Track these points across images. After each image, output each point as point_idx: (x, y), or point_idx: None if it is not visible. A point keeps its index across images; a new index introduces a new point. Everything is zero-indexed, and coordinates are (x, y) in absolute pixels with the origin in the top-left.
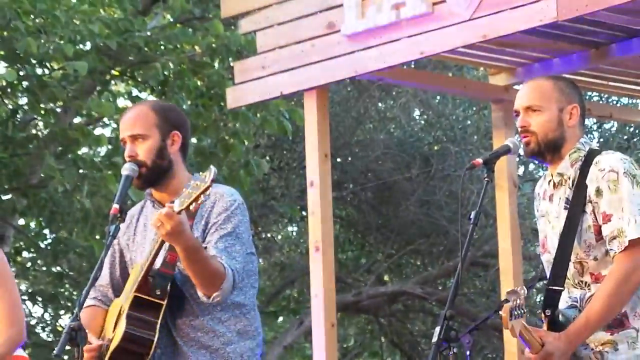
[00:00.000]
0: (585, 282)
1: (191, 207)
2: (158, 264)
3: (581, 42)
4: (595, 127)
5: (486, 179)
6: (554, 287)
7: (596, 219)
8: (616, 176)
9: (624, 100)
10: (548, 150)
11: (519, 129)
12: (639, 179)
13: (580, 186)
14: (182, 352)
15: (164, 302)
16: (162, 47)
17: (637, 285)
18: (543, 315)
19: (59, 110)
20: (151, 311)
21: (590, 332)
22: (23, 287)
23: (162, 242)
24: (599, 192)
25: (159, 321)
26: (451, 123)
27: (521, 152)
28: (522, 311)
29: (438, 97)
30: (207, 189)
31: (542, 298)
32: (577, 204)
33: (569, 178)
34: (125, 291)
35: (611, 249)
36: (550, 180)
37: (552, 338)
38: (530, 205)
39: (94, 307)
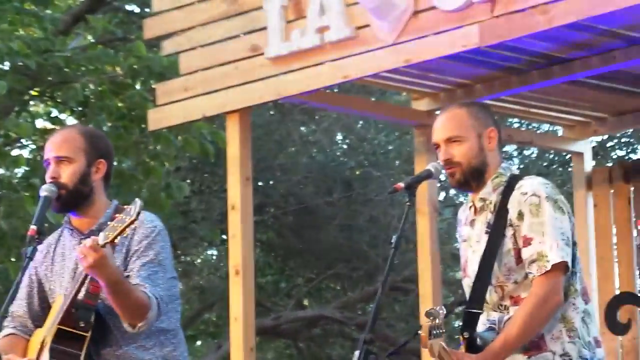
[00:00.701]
0: (505, 306)
1: (116, 241)
2: (81, 295)
3: (503, 68)
4: (515, 153)
5: (407, 204)
6: (473, 310)
7: (516, 243)
8: (538, 200)
9: (545, 126)
10: (473, 178)
11: (442, 162)
12: (560, 203)
13: (501, 210)
14: None
15: (88, 334)
16: (83, 68)
17: (555, 308)
18: (461, 337)
19: None
20: (75, 343)
21: (507, 353)
22: None
23: (86, 276)
24: (520, 215)
25: (83, 353)
26: (373, 147)
27: (442, 177)
28: (441, 331)
29: (361, 122)
30: (132, 222)
31: (461, 321)
32: (498, 228)
33: (491, 203)
34: (48, 322)
35: (530, 272)
36: (471, 206)
37: (469, 359)
38: (450, 230)
39: (14, 335)
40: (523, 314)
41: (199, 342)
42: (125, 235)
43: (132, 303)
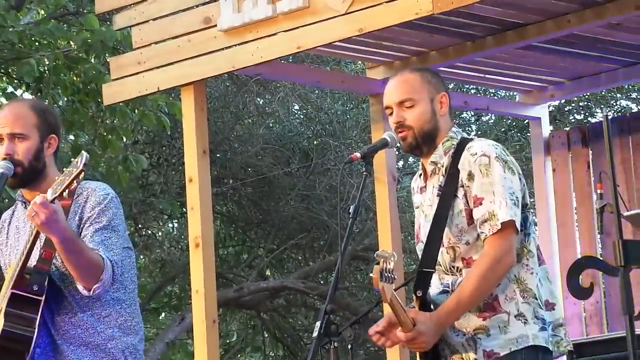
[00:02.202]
0: (457, 268)
1: (65, 194)
2: (34, 260)
3: (457, 35)
4: (473, 119)
5: (365, 173)
6: (425, 269)
7: (467, 203)
8: (488, 160)
9: (501, 92)
10: (424, 143)
11: (394, 125)
12: (510, 164)
13: (452, 172)
14: (61, 350)
15: (42, 298)
16: (37, 43)
17: (508, 267)
18: (415, 296)
19: None
20: (29, 307)
21: (461, 312)
22: None
23: (36, 237)
24: (470, 176)
25: (38, 317)
26: (330, 117)
27: (399, 145)
28: (393, 276)
29: (317, 92)
30: (79, 173)
31: (414, 281)
32: (449, 190)
33: (442, 166)
34: (2, 291)
35: (482, 232)
36: (421, 174)
37: (423, 317)
38: (409, 198)
39: None
40: (476, 274)
41: (162, 315)
42: (72, 187)
43: (86, 262)
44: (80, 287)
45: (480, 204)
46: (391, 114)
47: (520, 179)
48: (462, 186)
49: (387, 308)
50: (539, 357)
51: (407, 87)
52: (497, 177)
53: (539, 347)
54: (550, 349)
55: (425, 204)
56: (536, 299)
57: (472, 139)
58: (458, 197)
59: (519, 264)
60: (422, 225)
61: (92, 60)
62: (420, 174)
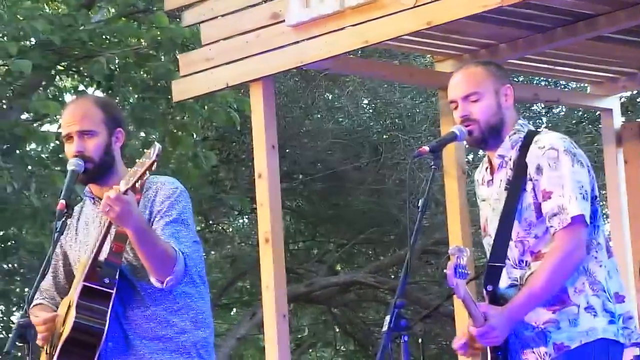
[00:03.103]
0: (526, 262)
1: (137, 184)
2: (105, 254)
3: (527, 27)
4: (543, 112)
5: (433, 167)
6: (495, 264)
7: (536, 197)
8: (556, 154)
9: (572, 84)
10: (491, 136)
11: (460, 119)
12: (579, 157)
13: (520, 166)
14: (134, 345)
15: (113, 291)
16: (107, 41)
17: (578, 261)
18: (485, 291)
19: (4, 107)
20: (100, 300)
21: (532, 307)
22: None
23: (108, 230)
24: (539, 169)
25: (109, 310)
26: (399, 111)
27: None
28: (466, 272)
29: (385, 86)
30: (152, 164)
31: (484, 276)
32: (517, 183)
33: (510, 159)
34: (74, 284)
35: (551, 226)
36: (487, 167)
37: (494, 312)
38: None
39: (42, 305)
40: (547, 268)
41: (234, 311)
42: (145, 178)
43: (159, 253)
44: (153, 279)
45: (550, 197)
46: (456, 107)
47: (589, 171)
48: (531, 180)
49: (457, 302)
50: (609, 350)
51: (472, 80)
52: (566, 171)
53: (609, 340)
54: (621, 341)
55: (493, 197)
56: (605, 291)
57: (539, 132)
58: (526, 191)
59: (588, 256)
60: (490, 219)
61: (162, 58)
62: (487, 167)
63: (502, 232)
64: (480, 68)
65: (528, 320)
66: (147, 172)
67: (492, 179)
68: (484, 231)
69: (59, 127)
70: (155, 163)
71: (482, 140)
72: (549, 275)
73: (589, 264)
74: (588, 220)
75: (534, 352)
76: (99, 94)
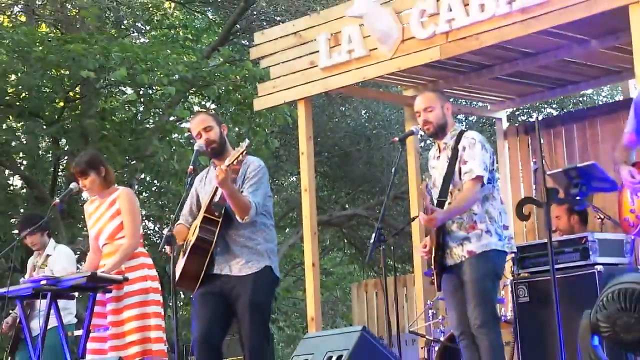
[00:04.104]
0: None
1: (234, 163)
2: (217, 198)
3: (454, 71)
4: (463, 119)
5: (400, 150)
6: (441, 199)
7: (459, 165)
8: (474, 141)
9: (480, 103)
10: (439, 131)
11: (422, 121)
12: (485, 144)
13: (455, 149)
14: (231, 249)
15: (220, 219)
16: (217, 77)
17: (473, 198)
18: (434, 206)
19: (161, 113)
20: (213, 224)
21: (453, 214)
22: (144, 212)
23: (217, 187)
24: (464, 149)
25: (217, 230)
26: (382, 117)
27: (421, 133)
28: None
29: (375, 103)
30: (242, 152)
31: (435, 204)
32: (453, 159)
33: (449, 145)
34: (200, 215)
35: (464, 178)
36: (437, 149)
37: (437, 210)
38: (425, 163)
39: (182, 224)
40: (459, 198)
41: (287, 230)
42: (239, 160)
43: (241, 205)
44: (237, 216)
45: (465, 163)
46: (419, 115)
47: (490, 154)
48: (460, 156)
49: (414, 226)
50: (498, 255)
51: (429, 99)
52: (477, 151)
53: (498, 250)
54: (506, 250)
55: (440, 166)
56: (497, 222)
57: (466, 130)
58: (458, 163)
59: (488, 203)
60: (437, 178)
61: (248, 87)
62: (437, 149)
63: (445, 186)
64: (432, 92)
65: (456, 234)
66: (240, 157)
67: (440, 156)
68: (434, 185)
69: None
70: (245, 152)
71: (434, 134)
72: (460, 202)
73: (488, 207)
74: (485, 181)
75: (455, 253)
76: (212, 107)
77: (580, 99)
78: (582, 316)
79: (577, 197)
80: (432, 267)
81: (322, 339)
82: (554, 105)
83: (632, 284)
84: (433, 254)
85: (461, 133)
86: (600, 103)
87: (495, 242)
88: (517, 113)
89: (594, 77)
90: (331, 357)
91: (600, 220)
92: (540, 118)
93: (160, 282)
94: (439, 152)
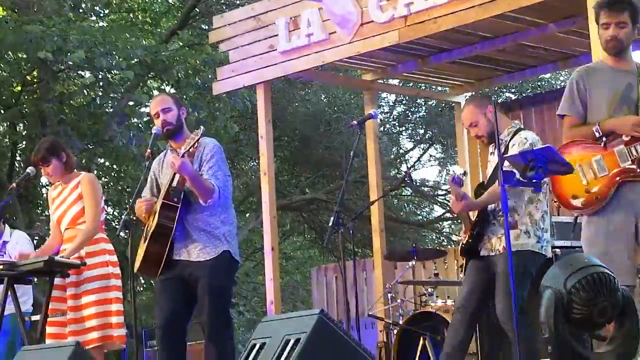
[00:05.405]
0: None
1: (190, 150)
2: (174, 183)
3: (412, 55)
4: (423, 103)
5: (359, 133)
6: (483, 188)
7: None
8: (526, 141)
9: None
10: (492, 138)
11: (474, 137)
12: (535, 144)
13: (507, 146)
14: (189, 233)
15: (179, 205)
16: (176, 60)
17: (498, 197)
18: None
19: (120, 97)
20: (172, 210)
21: (478, 205)
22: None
23: (175, 173)
24: (513, 146)
25: (176, 216)
26: (342, 102)
27: (380, 117)
28: (462, 181)
29: (334, 87)
30: (197, 139)
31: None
32: (504, 154)
33: (504, 142)
34: (158, 201)
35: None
36: (493, 145)
37: (467, 198)
38: (386, 148)
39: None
40: (489, 190)
41: (247, 214)
42: (194, 147)
43: (204, 187)
44: (200, 200)
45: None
46: (469, 132)
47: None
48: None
49: (373, 209)
50: (534, 257)
51: (469, 115)
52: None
53: (534, 252)
54: (542, 252)
55: (493, 161)
56: (536, 224)
57: (523, 129)
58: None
59: (532, 205)
60: (489, 173)
61: (207, 70)
62: (493, 145)
63: (491, 178)
64: (471, 104)
65: (496, 228)
66: (196, 144)
67: (493, 152)
68: (485, 178)
69: (149, 109)
70: (200, 138)
71: (489, 142)
72: (487, 195)
73: (532, 209)
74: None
75: (492, 244)
76: (172, 91)
77: (539, 83)
78: (544, 294)
79: (534, 180)
80: (461, 252)
81: (280, 322)
82: (513, 90)
83: (601, 269)
84: (464, 242)
85: (517, 131)
86: (558, 87)
87: (532, 244)
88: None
89: (552, 61)
90: (289, 340)
91: (556, 202)
92: (499, 102)
93: (119, 267)
94: (494, 148)
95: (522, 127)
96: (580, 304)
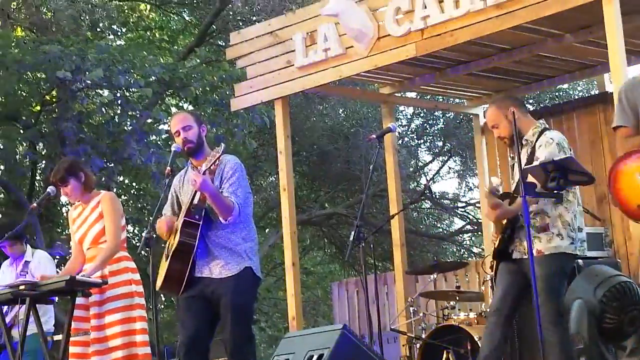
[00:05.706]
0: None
1: (211, 168)
2: (196, 201)
3: (430, 68)
4: (441, 115)
5: (378, 147)
6: (515, 194)
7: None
8: (552, 142)
9: (457, 100)
10: (515, 139)
11: (497, 138)
12: (565, 149)
13: (534, 147)
14: (211, 250)
15: (200, 222)
16: (194, 77)
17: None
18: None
19: (138, 115)
20: (193, 227)
21: (509, 212)
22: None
23: (196, 191)
24: (540, 147)
25: (198, 233)
26: (360, 115)
27: (399, 130)
28: (498, 192)
29: (352, 101)
30: (219, 157)
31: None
32: (531, 156)
33: (530, 142)
34: (180, 218)
35: None
36: (518, 146)
37: (502, 206)
38: (404, 161)
39: (163, 217)
40: (518, 202)
41: (267, 230)
42: (215, 164)
43: (224, 205)
44: (220, 218)
45: (537, 160)
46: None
47: (565, 152)
48: (535, 154)
49: (393, 223)
50: (567, 258)
51: (491, 117)
52: (550, 150)
53: (567, 253)
54: (575, 253)
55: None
56: (570, 226)
57: (549, 129)
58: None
59: (562, 206)
60: (517, 174)
61: (225, 87)
62: (518, 146)
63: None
64: (493, 106)
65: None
66: (217, 161)
67: (520, 152)
68: (513, 180)
69: (169, 126)
70: (221, 156)
71: (511, 144)
72: (517, 206)
73: (562, 211)
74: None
75: (524, 247)
76: (190, 108)
77: (557, 93)
78: (573, 305)
79: (555, 191)
80: (493, 255)
81: (303, 338)
82: (531, 101)
83: (623, 278)
84: (497, 244)
85: (543, 131)
86: (577, 97)
87: (565, 246)
88: None
89: (569, 71)
90: (312, 356)
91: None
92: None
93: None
94: (520, 148)
95: (547, 126)
96: (612, 312)
